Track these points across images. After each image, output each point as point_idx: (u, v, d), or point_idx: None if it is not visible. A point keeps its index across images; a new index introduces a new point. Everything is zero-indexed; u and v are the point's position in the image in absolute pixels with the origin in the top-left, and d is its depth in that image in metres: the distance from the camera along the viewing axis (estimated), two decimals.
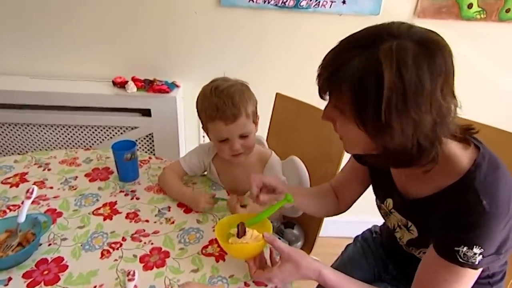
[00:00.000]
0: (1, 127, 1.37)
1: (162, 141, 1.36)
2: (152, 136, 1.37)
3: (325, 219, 0.99)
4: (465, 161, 0.56)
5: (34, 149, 1.42)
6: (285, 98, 1.13)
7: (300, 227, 1.02)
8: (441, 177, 0.57)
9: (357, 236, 0.94)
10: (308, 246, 1.04)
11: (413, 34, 0.50)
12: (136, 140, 1.36)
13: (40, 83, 1.34)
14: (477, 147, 0.58)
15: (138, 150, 1.04)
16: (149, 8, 1.27)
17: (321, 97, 0.57)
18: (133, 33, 1.32)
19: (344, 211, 0.85)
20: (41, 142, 1.40)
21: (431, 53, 0.49)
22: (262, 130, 1.04)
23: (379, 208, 0.76)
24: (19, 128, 1.37)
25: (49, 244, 0.74)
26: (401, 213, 0.68)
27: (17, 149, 1.42)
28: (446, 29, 1.28)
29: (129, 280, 0.66)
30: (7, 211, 0.83)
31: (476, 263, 0.54)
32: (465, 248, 0.53)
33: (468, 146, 0.58)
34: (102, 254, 0.72)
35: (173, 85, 1.33)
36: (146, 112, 1.32)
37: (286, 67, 1.34)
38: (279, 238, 0.95)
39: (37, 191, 0.79)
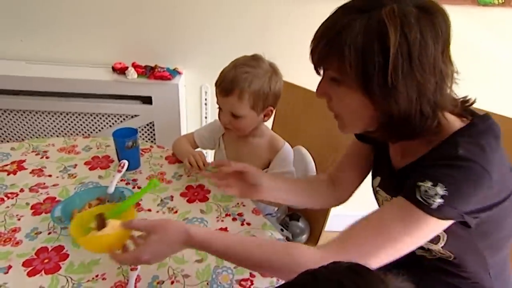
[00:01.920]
0: None
1: (164, 130, 1.33)
2: (153, 125, 1.34)
3: (332, 212, 0.98)
4: (457, 124, 0.54)
5: (31, 137, 1.39)
6: (291, 86, 1.10)
7: (305, 220, 1.00)
8: (431, 144, 0.55)
9: None
10: (313, 240, 1.03)
11: None
12: (137, 129, 1.34)
13: (37, 68, 1.31)
14: (480, 116, 0.55)
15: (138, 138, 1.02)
16: None
17: (317, 71, 0.55)
18: (133, 17, 1.28)
19: (346, 200, 0.82)
20: (38, 130, 1.37)
21: (432, 16, 0.49)
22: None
23: (373, 189, 0.73)
24: (15, 114, 1.34)
25: (49, 233, 0.73)
26: (386, 189, 0.66)
27: (13, 136, 1.39)
28: (462, 15, 1.27)
29: (132, 269, 0.65)
30: (5, 198, 0.81)
31: (434, 206, 0.48)
32: (429, 184, 0.48)
33: (467, 116, 0.56)
34: None
35: (175, 72, 1.31)
36: (147, 100, 1.30)
37: (293, 53, 1.30)
38: (282, 230, 0.94)
39: (127, 166, 0.85)
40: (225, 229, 0.76)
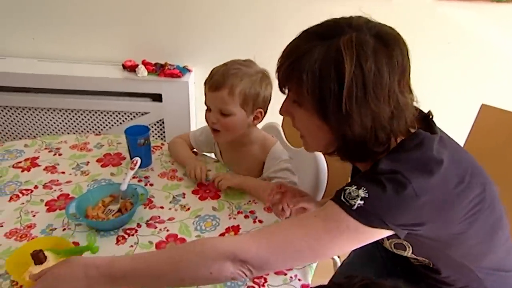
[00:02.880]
0: (8, 111, 1.35)
1: (174, 127, 1.34)
2: (163, 122, 1.35)
3: None
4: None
5: (42, 134, 1.41)
6: None
7: None
8: None
9: None
10: None
11: (371, 28, 0.51)
12: (148, 127, 1.35)
13: (48, 66, 1.32)
14: (412, 134, 0.55)
15: None
16: None
17: (281, 90, 0.57)
18: (144, 14, 1.29)
19: None
20: (49, 127, 1.39)
21: (388, 47, 0.50)
22: (277, 117, 1.01)
23: None
24: (27, 112, 1.35)
25: (64, 229, 0.73)
26: None
27: (25, 133, 1.41)
28: (474, 12, 1.25)
29: None
30: (20, 195, 0.82)
31: (353, 207, 0.49)
32: (354, 187, 0.51)
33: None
34: (118, 240, 0.72)
35: (185, 70, 1.31)
36: (157, 97, 1.31)
37: None
38: None
39: (139, 163, 0.86)
40: (237, 227, 0.76)
